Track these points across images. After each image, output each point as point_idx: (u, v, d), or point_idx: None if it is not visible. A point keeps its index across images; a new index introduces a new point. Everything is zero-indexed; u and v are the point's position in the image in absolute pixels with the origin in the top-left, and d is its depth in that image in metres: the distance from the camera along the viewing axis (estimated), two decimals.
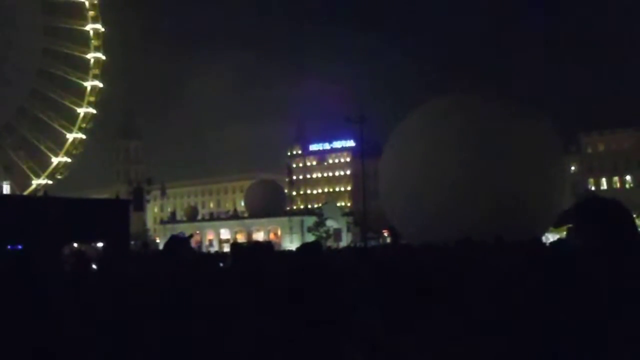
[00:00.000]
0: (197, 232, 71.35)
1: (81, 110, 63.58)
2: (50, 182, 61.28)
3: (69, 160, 64.22)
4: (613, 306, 1.79)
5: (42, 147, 63.85)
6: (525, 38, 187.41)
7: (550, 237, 18.01)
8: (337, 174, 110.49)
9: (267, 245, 6.38)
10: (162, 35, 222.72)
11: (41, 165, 64.23)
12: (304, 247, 3.98)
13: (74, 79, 63.88)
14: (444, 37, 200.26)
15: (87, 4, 63.75)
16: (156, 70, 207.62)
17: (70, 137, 63.68)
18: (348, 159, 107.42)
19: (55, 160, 63.65)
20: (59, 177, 63.06)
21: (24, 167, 63.39)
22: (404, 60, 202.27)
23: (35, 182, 62.47)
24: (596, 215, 1.99)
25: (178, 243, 4.10)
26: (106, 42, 65.06)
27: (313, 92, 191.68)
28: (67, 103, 63.79)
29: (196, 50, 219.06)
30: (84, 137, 64.32)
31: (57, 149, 64.11)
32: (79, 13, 63.90)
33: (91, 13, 63.85)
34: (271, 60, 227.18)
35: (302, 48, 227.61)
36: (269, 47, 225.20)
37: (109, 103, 72.94)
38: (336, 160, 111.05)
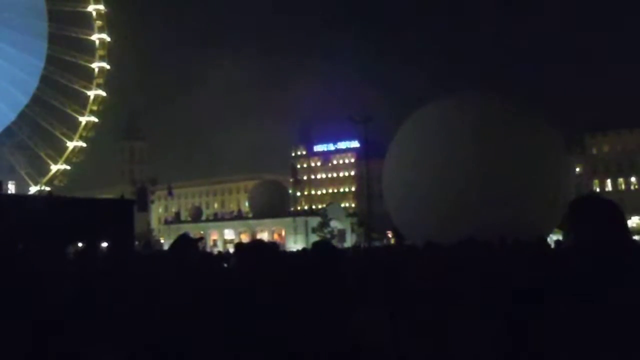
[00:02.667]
0: (202, 232, 71.42)
1: (83, 119, 63.43)
2: (47, 188, 61.13)
3: (68, 167, 64.04)
4: (600, 302, 1.79)
5: (42, 154, 63.81)
6: (528, 38, 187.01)
7: (554, 238, 17.96)
8: (341, 174, 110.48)
9: (272, 246, 6.36)
10: (167, 36, 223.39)
11: (40, 172, 64.18)
12: (317, 246, 3.82)
13: (77, 87, 63.78)
14: (447, 37, 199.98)
15: (94, 13, 63.62)
16: (161, 71, 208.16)
17: (71, 145, 63.53)
18: (352, 160, 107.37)
19: (54, 168, 63.51)
20: (57, 184, 62.75)
21: (22, 173, 63.29)
22: (408, 60, 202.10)
23: (32, 189, 62.27)
24: (587, 214, 1.99)
25: (187, 243, 4.09)
26: (111, 38, 64.90)
27: (318, 93, 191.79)
28: (69, 111, 63.70)
29: (201, 51, 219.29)
30: (84, 145, 64.18)
31: (56, 156, 64.02)
32: (86, 22, 63.89)
33: (98, 23, 63.64)
34: (276, 61, 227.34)
35: (306, 48, 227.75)
36: (273, 48, 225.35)
37: (114, 103, 73.00)
38: (340, 161, 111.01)
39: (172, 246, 4.03)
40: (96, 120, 64.16)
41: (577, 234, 1.95)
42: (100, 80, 63.73)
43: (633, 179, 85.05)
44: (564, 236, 2.15)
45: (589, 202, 2.03)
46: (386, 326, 3.10)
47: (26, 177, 63.38)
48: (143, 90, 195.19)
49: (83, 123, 63.57)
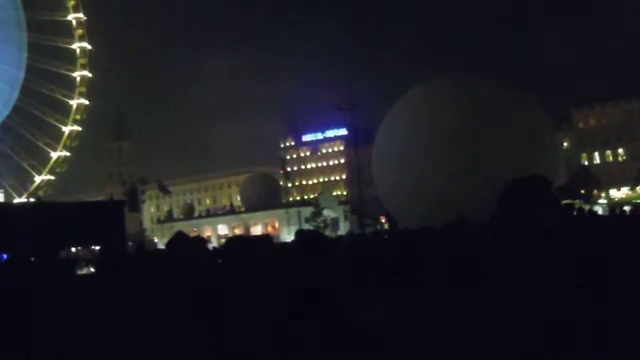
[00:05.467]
0: (195, 229, 71.26)
1: (66, 129, 62.72)
2: (32, 200, 60.45)
3: (52, 178, 63.40)
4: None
5: (25, 165, 63.17)
6: (511, 17, 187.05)
7: None
8: (331, 163, 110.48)
9: (266, 239, 6.30)
10: (151, 36, 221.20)
11: (24, 183, 63.58)
12: (302, 237, 3.78)
13: (59, 96, 63.02)
14: (431, 23, 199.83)
15: (74, 22, 62.88)
16: (147, 70, 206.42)
17: (55, 155, 62.85)
18: (341, 148, 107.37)
19: (38, 179, 62.87)
20: (41, 195, 62.05)
21: (6, 184, 62.62)
22: (393, 48, 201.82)
23: (17, 201, 61.57)
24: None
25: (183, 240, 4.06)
26: (97, 38, 64.28)
27: (304, 83, 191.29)
28: (51, 121, 62.98)
29: (185, 49, 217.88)
30: (68, 154, 63.52)
31: (40, 166, 63.36)
32: (66, 31, 63.09)
33: (79, 31, 62.91)
34: (260, 54, 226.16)
35: (290, 39, 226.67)
36: (258, 40, 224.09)
37: (100, 108, 72.28)
38: (329, 150, 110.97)
39: (169, 245, 4.01)
40: (79, 129, 63.51)
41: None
42: (83, 89, 63.04)
43: (620, 151, 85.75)
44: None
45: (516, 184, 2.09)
46: (382, 316, 3.08)
47: (10, 189, 62.69)
48: (129, 90, 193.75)
49: (66, 133, 62.91)
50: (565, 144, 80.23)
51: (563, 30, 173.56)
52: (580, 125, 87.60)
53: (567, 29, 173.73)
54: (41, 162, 63.68)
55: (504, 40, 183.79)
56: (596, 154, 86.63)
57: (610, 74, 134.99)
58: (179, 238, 4.13)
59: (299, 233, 3.77)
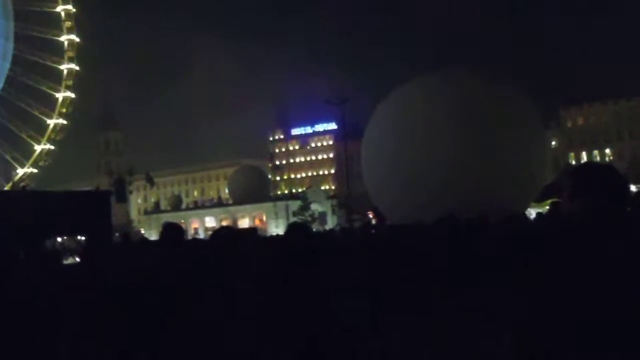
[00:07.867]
0: (182, 221, 70.94)
1: (51, 122, 61.70)
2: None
3: (35, 171, 62.52)
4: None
5: (8, 157, 62.21)
6: (502, 14, 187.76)
7: (532, 212, 18.16)
8: (320, 157, 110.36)
9: (251, 231, 6.26)
10: (143, 25, 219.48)
11: (6, 175, 62.57)
12: (293, 228, 3.80)
13: (44, 88, 62.03)
14: (421, 18, 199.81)
15: (63, 14, 61.89)
16: (136, 62, 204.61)
17: (39, 148, 62.00)
18: (330, 142, 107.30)
19: (20, 172, 61.96)
20: (23, 185, 61.13)
21: None
22: (384, 43, 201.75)
23: None
24: (600, 180, 1.94)
25: (175, 231, 4.04)
26: (86, 31, 63.45)
27: (294, 76, 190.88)
28: (36, 113, 61.93)
29: (176, 42, 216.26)
30: (52, 147, 62.65)
31: (23, 159, 62.43)
32: (55, 23, 62.10)
33: (67, 24, 61.85)
34: (251, 47, 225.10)
35: (281, 32, 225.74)
36: (249, 34, 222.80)
37: (90, 93, 71.52)
38: (319, 144, 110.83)
39: (163, 236, 4.01)
40: (65, 122, 62.59)
41: (588, 200, 1.89)
42: (70, 82, 62.02)
43: (607, 151, 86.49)
44: (564, 204, 2.05)
45: (599, 168, 1.99)
46: (366, 311, 3.05)
47: None
48: (117, 82, 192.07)
49: (51, 126, 61.96)
50: (553, 143, 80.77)
51: (552, 30, 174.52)
52: (569, 124, 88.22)
53: (556, 29, 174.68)
54: (24, 154, 62.76)
55: (494, 38, 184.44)
56: (584, 153, 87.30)
57: (598, 74, 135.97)
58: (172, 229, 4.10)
59: (292, 226, 3.75)
